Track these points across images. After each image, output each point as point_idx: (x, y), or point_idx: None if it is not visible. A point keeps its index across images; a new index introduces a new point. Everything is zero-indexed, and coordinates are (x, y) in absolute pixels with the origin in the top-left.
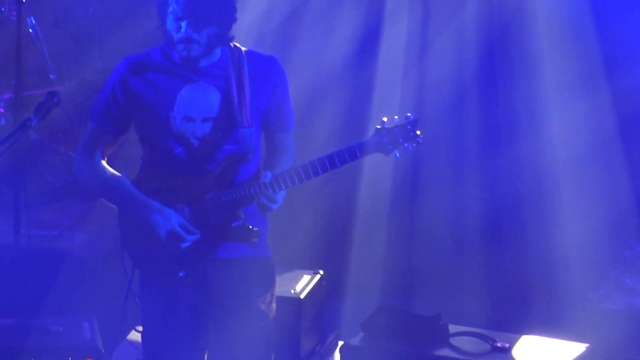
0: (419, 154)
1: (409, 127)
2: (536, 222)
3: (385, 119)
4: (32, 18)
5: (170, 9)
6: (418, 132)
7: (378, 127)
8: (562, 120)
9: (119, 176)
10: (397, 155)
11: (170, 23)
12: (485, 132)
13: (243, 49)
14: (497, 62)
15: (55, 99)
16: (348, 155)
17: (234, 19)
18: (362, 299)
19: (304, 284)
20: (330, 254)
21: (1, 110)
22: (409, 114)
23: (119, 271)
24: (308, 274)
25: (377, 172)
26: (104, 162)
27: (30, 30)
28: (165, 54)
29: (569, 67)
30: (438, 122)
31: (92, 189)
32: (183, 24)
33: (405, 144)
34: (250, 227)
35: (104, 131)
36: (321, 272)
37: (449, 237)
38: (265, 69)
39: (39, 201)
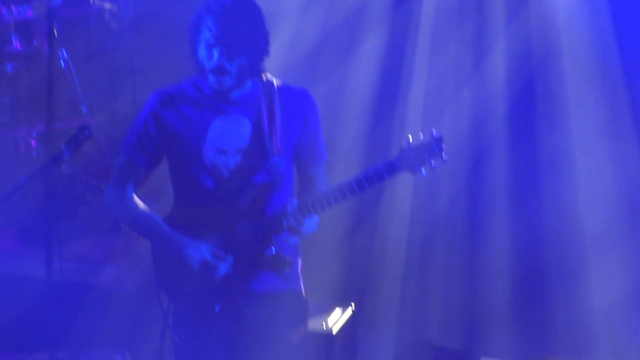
0: (453, 193)
1: (433, 144)
2: (564, 260)
3: (410, 138)
4: (63, 51)
5: (203, 36)
6: (443, 148)
7: (403, 145)
8: (589, 165)
9: (150, 211)
10: (424, 173)
11: (202, 51)
12: (514, 174)
13: (275, 81)
14: (523, 107)
15: (87, 132)
16: (375, 176)
17: (266, 52)
18: (394, 333)
19: (336, 318)
20: (362, 288)
21: (33, 143)
22: (433, 131)
23: (151, 305)
24: (340, 308)
25: (408, 207)
26: (135, 197)
27: (62, 64)
28: (196, 87)
29: (597, 112)
30: (469, 159)
31: (122, 223)
32: (215, 52)
33: (432, 161)
34: (283, 255)
35: (135, 164)
36: (353, 305)
37: (480, 271)
38: (297, 101)
39: (70, 234)
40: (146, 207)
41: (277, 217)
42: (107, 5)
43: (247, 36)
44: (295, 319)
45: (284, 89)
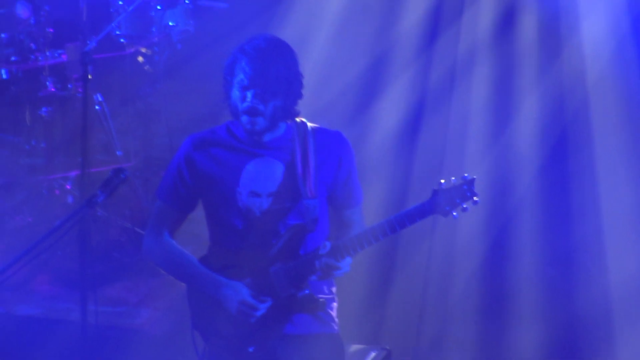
0: (490, 235)
1: (465, 187)
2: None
3: (442, 181)
4: (98, 95)
5: (237, 79)
6: (475, 192)
7: (435, 188)
8: (618, 212)
9: (187, 253)
10: (455, 216)
11: (235, 93)
12: (551, 211)
13: (309, 124)
14: (556, 156)
15: (122, 176)
16: (407, 219)
17: (300, 95)
18: None
19: None
20: (397, 330)
21: (68, 187)
22: (465, 174)
23: (186, 348)
24: (375, 351)
25: (445, 246)
26: (171, 240)
27: (97, 107)
28: (230, 131)
29: (628, 163)
30: (503, 204)
31: (160, 267)
32: (249, 94)
33: (463, 204)
34: (316, 297)
35: (170, 209)
36: (389, 348)
37: (519, 313)
38: (330, 144)
39: (105, 278)
40: (183, 249)
41: (310, 260)
42: (142, 49)
43: (281, 79)
44: None
45: (317, 131)
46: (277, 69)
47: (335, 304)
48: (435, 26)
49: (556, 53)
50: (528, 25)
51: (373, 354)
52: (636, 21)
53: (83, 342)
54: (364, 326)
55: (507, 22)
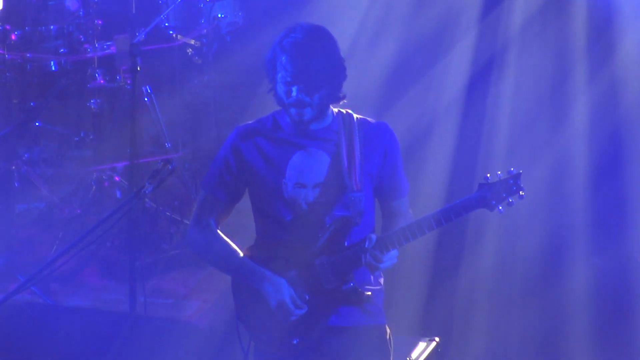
0: (538, 230)
1: (511, 182)
2: None
3: (488, 175)
4: (147, 87)
5: (279, 75)
6: (521, 186)
7: (481, 182)
8: None
9: (231, 245)
10: (501, 210)
11: (280, 88)
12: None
13: (355, 115)
14: (606, 157)
15: (170, 167)
16: (453, 213)
17: (343, 78)
18: None
19: (420, 351)
20: (446, 321)
21: (117, 178)
22: (512, 169)
23: (234, 340)
24: (424, 342)
25: (492, 239)
26: (218, 231)
27: (146, 99)
28: (276, 121)
29: None
30: (553, 197)
31: (204, 259)
32: (294, 89)
33: (509, 199)
34: (361, 290)
35: (216, 199)
36: (437, 339)
37: (563, 306)
38: (376, 135)
39: (155, 270)
40: (229, 241)
41: (356, 252)
42: (190, 41)
43: (323, 70)
44: (378, 354)
45: (363, 122)
46: (318, 61)
47: (382, 296)
48: (478, 16)
49: (608, 53)
50: (579, 23)
51: (422, 344)
52: None
53: (132, 333)
54: (413, 317)
55: (557, 15)
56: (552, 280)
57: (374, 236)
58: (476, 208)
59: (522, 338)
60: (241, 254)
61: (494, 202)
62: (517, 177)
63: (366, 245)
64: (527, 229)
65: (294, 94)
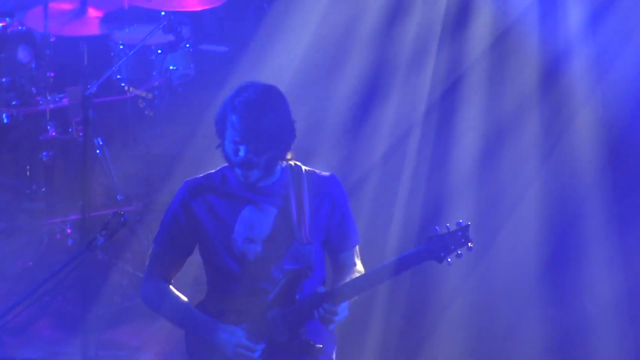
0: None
1: (459, 234)
2: None
3: (437, 227)
4: (99, 139)
5: (228, 132)
6: (470, 238)
7: (429, 234)
8: None
9: (183, 299)
10: (450, 262)
11: (228, 146)
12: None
13: (304, 167)
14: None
15: (122, 219)
16: (402, 265)
17: (293, 139)
18: None
19: None
20: None
21: (69, 230)
22: (460, 220)
23: None
24: None
25: (447, 281)
26: (169, 286)
27: (98, 151)
28: (224, 176)
29: None
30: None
31: (157, 312)
32: (242, 149)
33: (458, 250)
34: (313, 343)
35: (167, 254)
36: None
37: (520, 350)
38: (324, 187)
39: (107, 322)
40: (180, 295)
41: (308, 306)
42: (142, 93)
43: (273, 131)
44: None
45: (311, 175)
46: (268, 122)
47: (334, 347)
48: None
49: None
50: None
51: None
52: None
53: None
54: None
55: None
56: (508, 330)
57: (322, 288)
58: (425, 260)
59: None
60: (191, 308)
61: (442, 254)
62: (465, 229)
63: (317, 298)
64: (484, 274)
65: (241, 153)
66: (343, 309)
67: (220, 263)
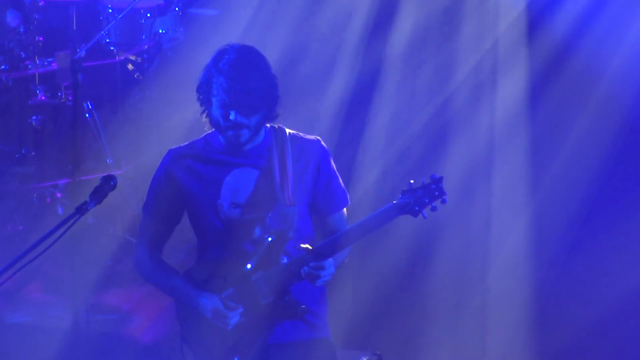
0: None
1: (432, 186)
2: None
3: (412, 181)
4: (88, 102)
5: (217, 97)
6: (443, 190)
7: (404, 188)
8: None
9: (171, 267)
10: (425, 215)
11: (216, 110)
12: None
13: (288, 130)
14: None
15: (112, 183)
16: (377, 221)
17: (278, 97)
18: None
19: None
20: (388, 335)
21: (58, 195)
22: (434, 174)
23: (176, 356)
24: (365, 356)
25: (435, 249)
26: (158, 254)
27: (87, 115)
28: (208, 143)
29: None
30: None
31: (148, 281)
32: (232, 112)
33: (432, 204)
34: (297, 303)
35: (155, 223)
36: (379, 353)
37: (511, 319)
38: (309, 150)
39: (97, 285)
40: (167, 263)
41: (293, 265)
42: (131, 57)
43: (261, 91)
44: None
45: (295, 138)
46: (255, 82)
47: (326, 308)
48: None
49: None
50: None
51: (364, 359)
52: None
53: (74, 349)
54: (355, 331)
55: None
56: (498, 296)
57: (308, 248)
58: (400, 214)
59: (472, 351)
60: (179, 275)
61: (417, 208)
62: (438, 181)
63: (301, 257)
64: (478, 243)
65: (232, 117)
66: (329, 265)
67: (207, 228)
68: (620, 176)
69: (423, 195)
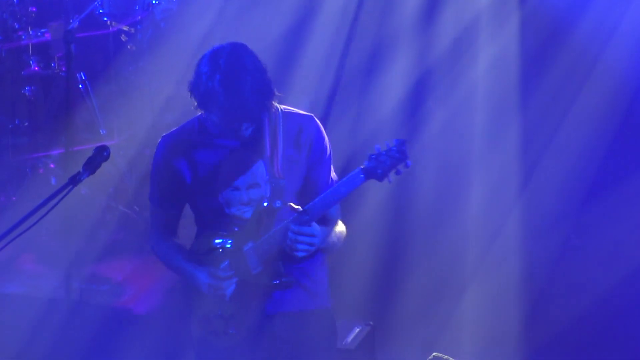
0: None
1: (394, 149)
2: None
3: (378, 145)
4: (81, 73)
5: (215, 115)
6: (406, 154)
7: (370, 153)
8: None
9: (178, 248)
10: (390, 180)
11: (221, 123)
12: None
13: (280, 107)
14: None
15: (105, 154)
16: (343, 187)
17: (272, 89)
18: (414, 350)
19: (354, 335)
20: (380, 305)
21: (51, 166)
22: (398, 138)
23: (170, 327)
24: (359, 326)
25: (427, 223)
26: (169, 237)
27: (80, 86)
28: (202, 126)
29: None
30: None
31: (164, 264)
32: (240, 127)
33: (397, 167)
34: (284, 272)
35: (161, 210)
36: (371, 323)
37: (501, 290)
38: (300, 127)
39: (90, 256)
40: (174, 244)
41: (278, 233)
42: (125, 27)
43: (258, 97)
44: (325, 338)
45: (288, 114)
46: (250, 93)
47: (327, 278)
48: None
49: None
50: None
51: (357, 330)
52: None
53: (67, 320)
54: (348, 301)
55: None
56: (489, 269)
57: (293, 204)
58: (366, 179)
59: (458, 321)
60: (181, 256)
61: (380, 172)
62: (402, 144)
63: (287, 225)
64: (471, 218)
65: (242, 132)
66: (314, 230)
67: (205, 210)
68: (614, 168)
69: (387, 160)
